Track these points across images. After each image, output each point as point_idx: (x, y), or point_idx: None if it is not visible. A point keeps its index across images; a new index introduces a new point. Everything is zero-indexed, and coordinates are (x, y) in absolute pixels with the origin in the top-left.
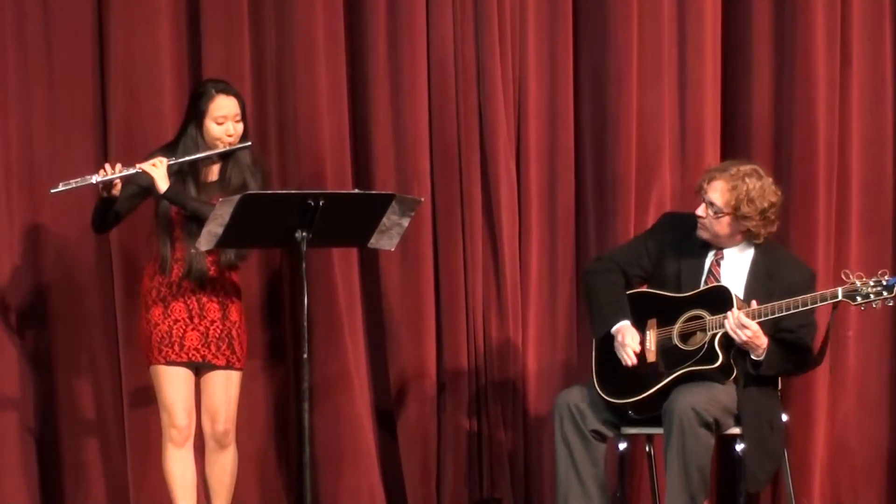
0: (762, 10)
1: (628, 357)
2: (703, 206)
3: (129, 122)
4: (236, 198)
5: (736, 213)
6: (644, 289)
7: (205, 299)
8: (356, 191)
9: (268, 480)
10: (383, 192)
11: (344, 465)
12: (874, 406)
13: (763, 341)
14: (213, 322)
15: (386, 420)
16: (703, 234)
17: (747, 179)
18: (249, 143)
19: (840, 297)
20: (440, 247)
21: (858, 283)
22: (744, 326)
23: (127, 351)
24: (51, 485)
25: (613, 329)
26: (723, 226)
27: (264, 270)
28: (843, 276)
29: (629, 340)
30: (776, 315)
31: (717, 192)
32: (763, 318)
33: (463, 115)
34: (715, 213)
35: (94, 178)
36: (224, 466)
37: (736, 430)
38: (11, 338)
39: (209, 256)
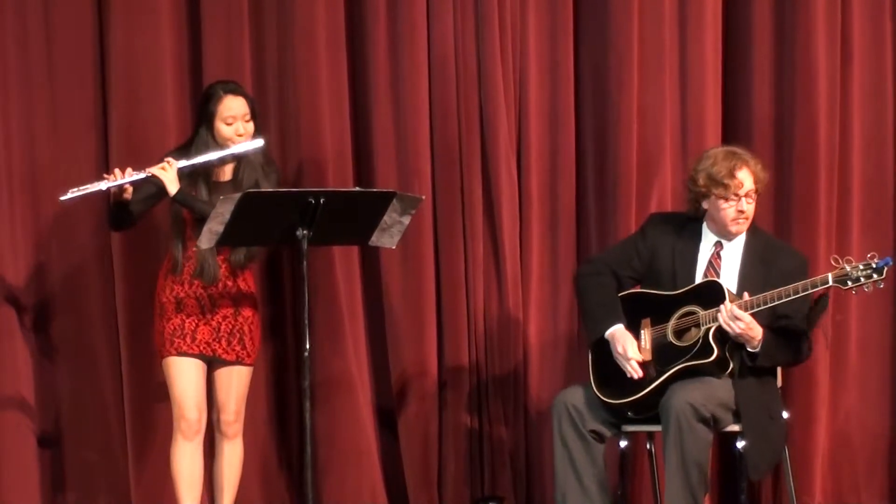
0: (763, 7)
1: (634, 371)
2: (741, 203)
3: (131, 122)
4: (237, 196)
5: (760, 187)
6: (637, 289)
7: (217, 297)
8: (357, 189)
9: (270, 479)
10: (384, 191)
11: (345, 463)
12: (875, 401)
13: (757, 332)
14: (225, 318)
15: (387, 418)
16: (741, 229)
17: (746, 152)
18: (262, 143)
19: (831, 283)
20: (441, 245)
21: (848, 268)
22: (737, 318)
23: (129, 348)
24: (53, 481)
25: (607, 333)
26: (753, 208)
27: (265, 269)
28: (832, 262)
29: (631, 353)
30: (769, 305)
31: (750, 176)
32: (756, 309)
33: (464, 113)
34: (755, 198)
35: (104, 185)
36: (230, 460)
37: (735, 427)
38: (13, 335)
39: (220, 256)
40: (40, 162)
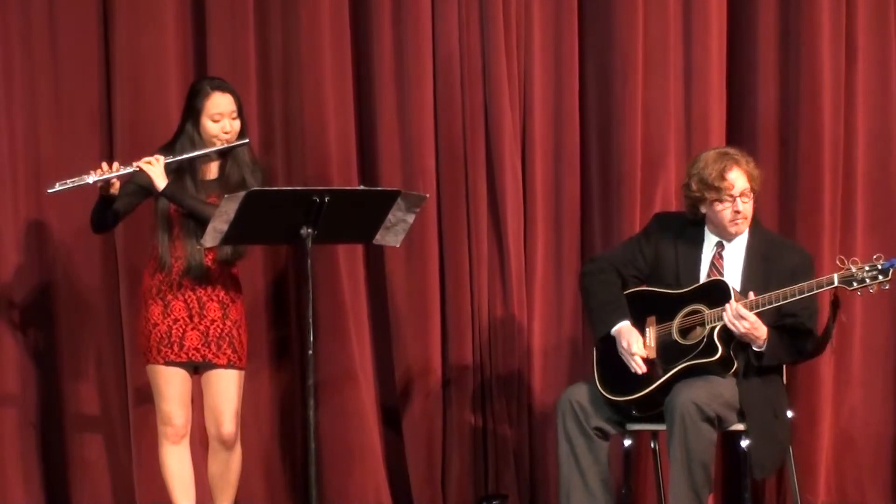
0: (768, 6)
1: (637, 366)
2: (736, 203)
3: (135, 120)
4: (242, 194)
5: (756, 185)
6: (642, 287)
7: (205, 298)
8: (361, 187)
9: (273, 477)
10: (389, 189)
11: (349, 461)
12: (880, 400)
13: (762, 332)
14: (213, 321)
15: (391, 416)
16: (741, 229)
17: (738, 152)
18: (247, 141)
19: (836, 283)
20: (445, 243)
21: (854, 269)
22: (742, 318)
23: (132, 348)
24: (55, 482)
25: (613, 330)
26: (751, 207)
27: (269, 267)
28: (838, 263)
29: (635, 348)
30: (774, 304)
31: (743, 176)
32: (761, 309)
33: (468, 111)
34: (751, 197)
35: (91, 178)
36: (229, 465)
37: (739, 426)
38: (16, 335)
39: (208, 253)
40: (45, 160)
